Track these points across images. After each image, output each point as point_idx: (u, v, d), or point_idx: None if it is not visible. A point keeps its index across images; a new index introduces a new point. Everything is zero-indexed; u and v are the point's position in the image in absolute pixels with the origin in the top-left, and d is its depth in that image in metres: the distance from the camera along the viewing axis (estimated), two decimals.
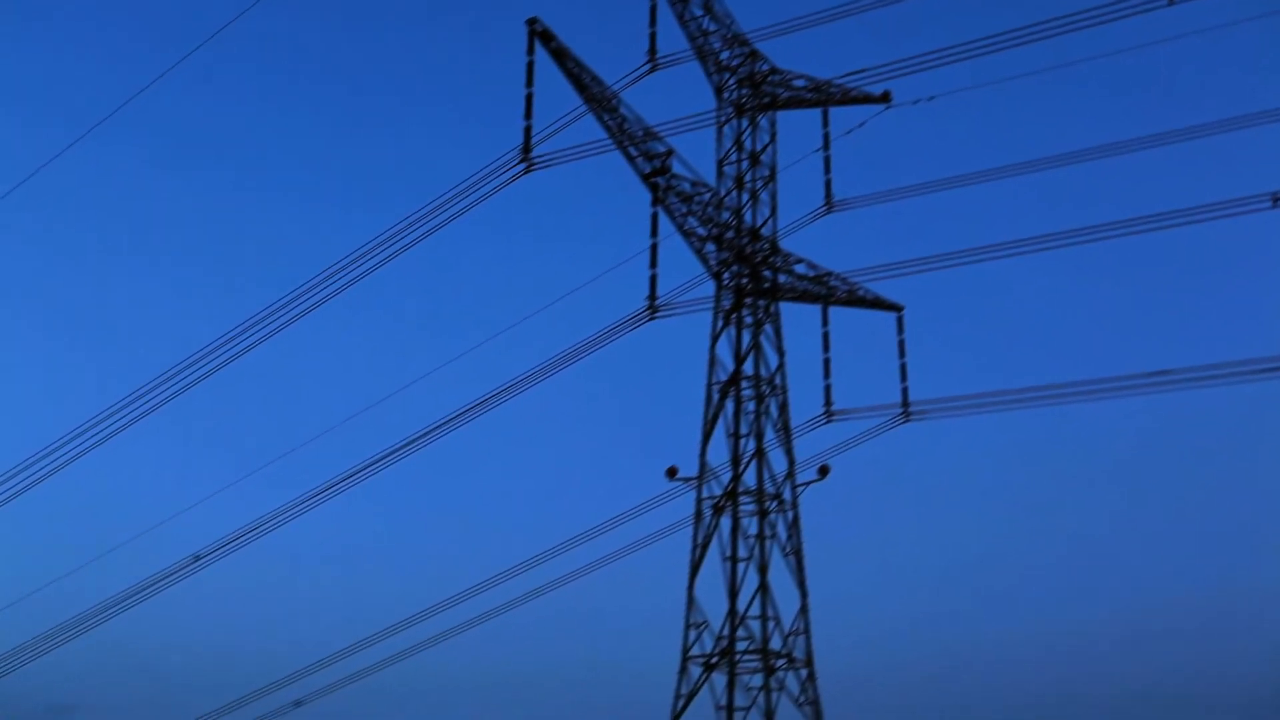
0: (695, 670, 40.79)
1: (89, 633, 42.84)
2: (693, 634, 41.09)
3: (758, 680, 40.38)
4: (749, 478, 42.34)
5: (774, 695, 40.33)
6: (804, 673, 41.49)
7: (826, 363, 49.04)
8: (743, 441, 42.64)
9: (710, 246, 44.40)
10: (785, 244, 46.58)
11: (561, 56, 41.01)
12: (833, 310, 49.64)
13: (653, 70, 42.67)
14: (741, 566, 41.32)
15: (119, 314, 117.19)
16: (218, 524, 42.75)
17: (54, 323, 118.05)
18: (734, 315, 43.88)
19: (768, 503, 42.29)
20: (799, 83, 47.07)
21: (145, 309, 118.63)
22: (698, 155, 44.63)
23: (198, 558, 41.90)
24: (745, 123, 45.50)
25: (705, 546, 41.87)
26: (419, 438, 41.67)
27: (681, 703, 40.60)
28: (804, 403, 46.35)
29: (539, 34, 40.67)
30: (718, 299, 44.30)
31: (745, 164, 45.14)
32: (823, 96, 47.90)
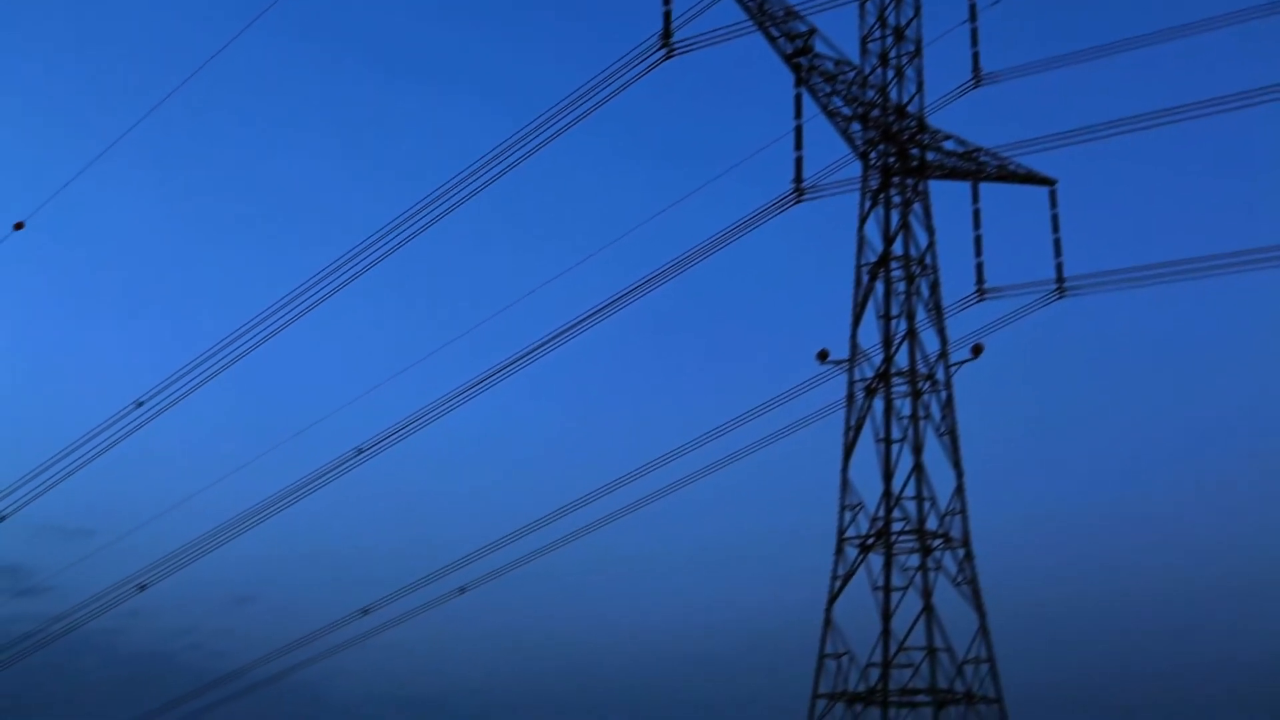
0: (851, 552, 41.08)
1: (265, 524, 44.70)
2: (848, 516, 41.33)
3: (914, 560, 40.48)
4: (901, 359, 42.11)
5: (931, 575, 40.45)
6: (961, 552, 41.46)
7: (978, 240, 48.17)
8: (894, 322, 42.33)
9: (856, 126, 43.68)
10: (933, 120, 45.59)
11: None
12: (983, 186, 48.57)
13: None
14: (895, 448, 41.30)
15: (280, 205, 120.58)
16: (380, 416, 43.99)
17: (218, 214, 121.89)
18: (882, 195, 43.26)
19: (921, 383, 42.01)
20: None
21: (306, 198, 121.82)
22: (841, 33, 43.78)
23: (360, 450, 43.19)
24: None
25: (858, 429, 41.88)
26: (575, 325, 42.17)
27: (838, 584, 40.98)
28: (955, 281, 45.80)
29: None
30: (865, 179, 43.70)
31: (890, 40, 44.10)
32: None
